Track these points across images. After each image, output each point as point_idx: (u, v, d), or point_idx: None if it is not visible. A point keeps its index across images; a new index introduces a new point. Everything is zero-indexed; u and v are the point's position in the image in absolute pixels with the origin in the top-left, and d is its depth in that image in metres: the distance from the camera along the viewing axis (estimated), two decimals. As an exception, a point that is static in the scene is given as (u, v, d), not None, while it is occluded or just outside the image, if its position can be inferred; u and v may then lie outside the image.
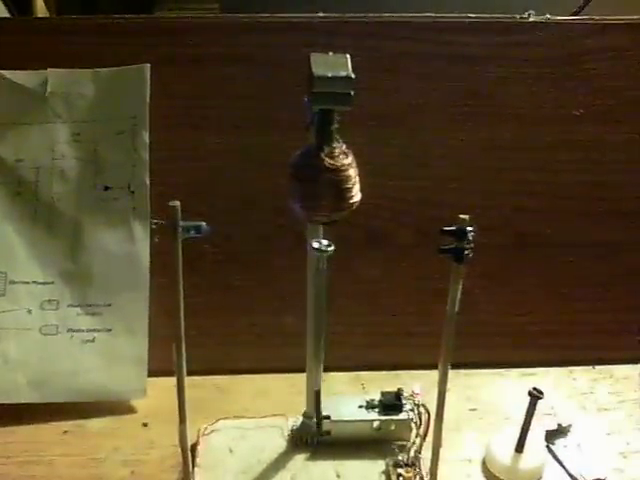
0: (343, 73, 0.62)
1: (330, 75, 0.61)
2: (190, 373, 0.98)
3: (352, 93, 0.62)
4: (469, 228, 0.68)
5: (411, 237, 1.01)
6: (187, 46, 0.96)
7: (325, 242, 0.73)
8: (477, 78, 0.99)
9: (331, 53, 0.64)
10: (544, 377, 1.06)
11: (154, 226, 0.63)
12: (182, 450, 0.78)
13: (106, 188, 0.98)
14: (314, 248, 0.72)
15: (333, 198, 0.67)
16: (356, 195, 0.68)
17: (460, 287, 0.71)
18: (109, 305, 0.98)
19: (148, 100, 0.96)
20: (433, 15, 0.98)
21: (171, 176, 0.96)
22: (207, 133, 0.97)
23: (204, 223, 0.65)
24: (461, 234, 0.68)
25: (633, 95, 1.00)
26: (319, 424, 0.87)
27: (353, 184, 0.67)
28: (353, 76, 0.61)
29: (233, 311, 1.03)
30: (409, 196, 1.01)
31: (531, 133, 1.01)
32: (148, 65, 0.95)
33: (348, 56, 0.63)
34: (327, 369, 0.92)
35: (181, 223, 0.64)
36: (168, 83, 0.95)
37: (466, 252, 0.69)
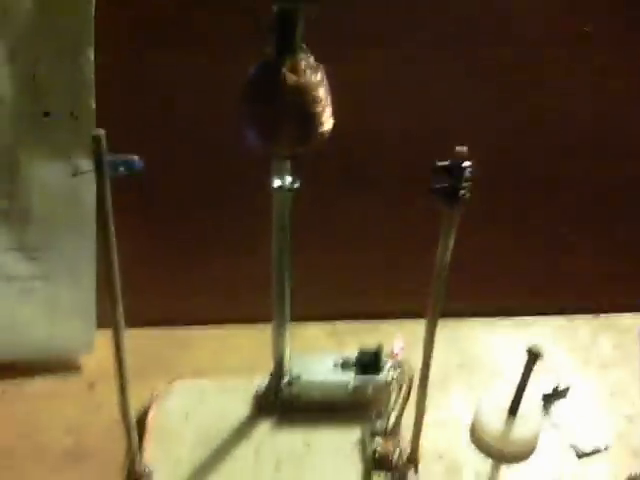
0: None
1: None
2: (146, 324, 0.89)
3: None
4: (466, 163, 0.56)
5: (395, 174, 0.88)
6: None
7: (289, 179, 0.60)
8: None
9: None
10: (541, 327, 0.96)
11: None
12: (125, 426, 0.67)
13: (46, 114, 0.85)
14: (274, 187, 0.60)
15: (297, 125, 0.54)
16: (326, 122, 0.55)
17: (453, 236, 0.60)
18: (50, 249, 0.86)
19: (93, 12, 0.82)
20: None
21: (113, 105, 0.82)
22: (158, 56, 0.83)
23: (136, 157, 0.52)
24: (457, 171, 0.55)
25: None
26: (283, 388, 0.77)
27: (323, 108, 0.54)
28: None
29: (193, 256, 0.91)
30: (393, 127, 0.88)
31: (535, 54, 0.87)
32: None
33: None
34: (300, 319, 0.82)
35: (108, 157, 0.51)
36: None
37: (462, 192, 0.56)
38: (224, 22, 0.78)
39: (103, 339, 0.83)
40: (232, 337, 0.91)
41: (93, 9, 0.81)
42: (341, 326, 0.94)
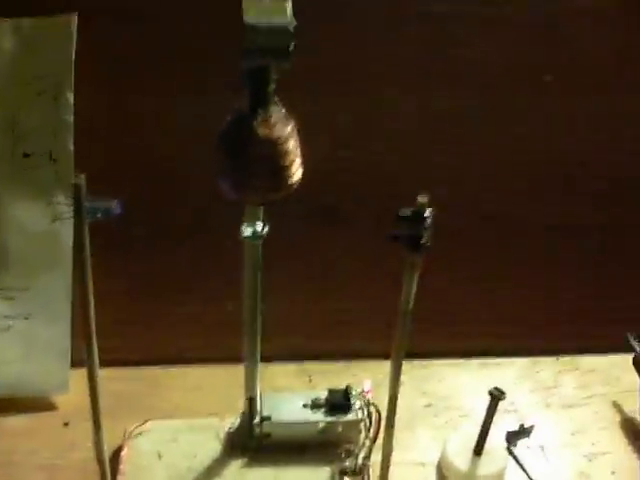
0: (280, 21, 0.51)
1: (264, 24, 0.50)
2: (119, 364, 0.90)
3: (291, 47, 0.51)
4: (427, 212, 0.58)
5: (367, 216, 0.91)
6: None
7: (259, 225, 0.62)
8: (444, 37, 0.88)
9: None
10: (505, 369, 0.98)
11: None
12: (98, 462, 0.68)
13: (25, 155, 0.87)
14: (243, 237, 0.62)
15: (268, 176, 0.56)
16: (296, 173, 0.57)
17: (416, 281, 0.62)
18: (27, 289, 0.87)
19: (74, 57, 0.84)
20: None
21: (91, 146, 0.84)
22: (135, 97, 0.86)
23: (115, 202, 0.54)
24: (418, 219, 0.58)
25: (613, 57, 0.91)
26: (254, 427, 0.78)
27: (292, 160, 0.56)
28: (293, 25, 0.50)
29: (167, 297, 0.92)
30: (367, 170, 0.91)
31: (500, 100, 0.91)
32: (75, 15, 0.83)
33: (289, 1, 0.52)
34: (271, 359, 0.84)
35: (87, 203, 0.53)
36: (95, 38, 0.83)
37: (423, 240, 0.59)
38: (206, 68, 0.81)
39: (79, 378, 0.85)
40: (205, 377, 0.92)
41: (73, 52, 0.83)
42: (311, 366, 0.95)
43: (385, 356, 0.92)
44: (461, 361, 0.98)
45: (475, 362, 0.98)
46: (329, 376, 0.93)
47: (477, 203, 0.93)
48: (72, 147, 0.85)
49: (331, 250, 0.93)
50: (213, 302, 0.92)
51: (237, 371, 0.79)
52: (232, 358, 0.83)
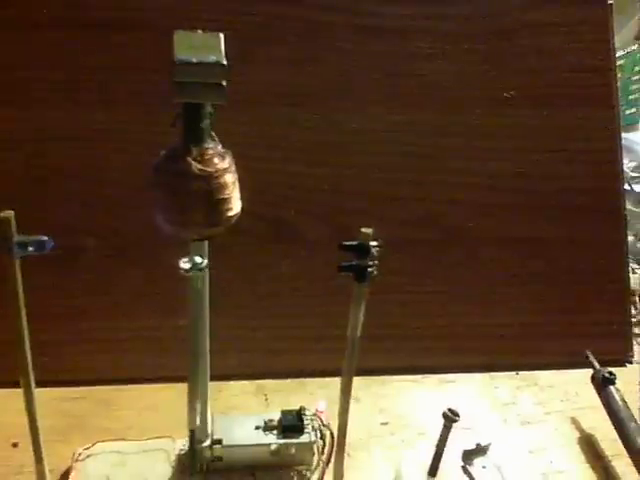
0: (212, 58, 0.49)
1: (195, 60, 0.48)
2: (69, 384, 0.88)
3: (224, 83, 0.49)
4: (373, 243, 0.57)
5: (322, 232, 0.90)
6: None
7: (199, 260, 0.61)
8: (401, 54, 0.88)
9: (200, 31, 0.51)
10: (464, 385, 0.97)
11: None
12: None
13: None
14: (182, 269, 0.60)
15: (204, 212, 0.54)
16: (234, 207, 0.56)
17: (363, 309, 0.61)
18: None
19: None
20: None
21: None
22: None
23: (46, 238, 0.52)
24: (363, 251, 0.57)
25: (572, 75, 0.90)
26: (205, 450, 0.77)
27: (230, 193, 0.55)
28: (225, 62, 0.49)
29: (117, 313, 0.91)
30: (322, 185, 0.90)
31: (459, 116, 0.90)
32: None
33: (222, 35, 0.50)
34: (227, 378, 0.83)
35: (16, 238, 0.51)
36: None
37: (369, 270, 0.58)
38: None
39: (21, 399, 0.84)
40: (159, 396, 0.90)
41: None
42: (267, 384, 0.94)
43: (339, 373, 0.91)
44: (419, 377, 0.97)
45: (434, 378, 0.97)
46: (285, 394, 0.91)
47: (436, 217, 0.92)
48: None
49: (286, 268, 0.92)
50: (166, 319, 0.90)
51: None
52: (184, 377, 0.82)
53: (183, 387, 0.87)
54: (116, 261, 0.88)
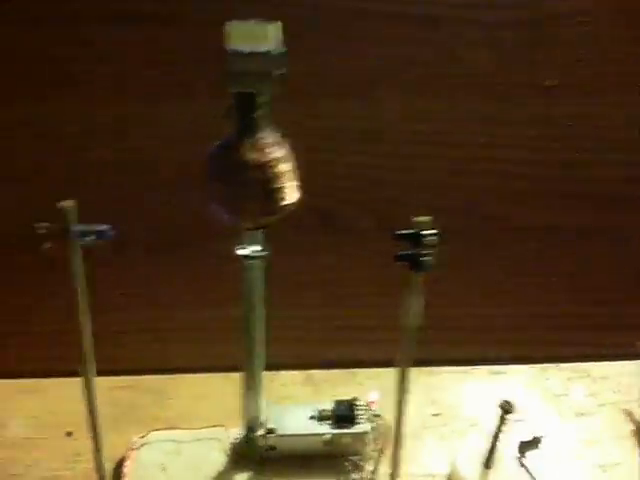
0: (262, 48, 0.49)
1: (248, 50, 0.48)
2: (123, 373, 0.89)
3: (276, 73, 0.49)
4: (428, 232, 0.56)
5: (369, 220, 0.89)
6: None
7: (256, 248, 0.60)
8: (442, 42, 0.86)
9: (253, 21, 0.50)
10: (514, 376, 0.96)
11: (43, 231, 0.50)
12: (97, 471, 0.67)
13: None
14: (240, 256, 0.60)
15: (260, 202, 0.54)
16: (290, 195, 0.55)
17: (420, 298, 0.60)
18: None
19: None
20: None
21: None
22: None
23: (106, 227, 0.52)
24: (418, 239, 0.56)
25: (619, 63, 0.88)
26: (259, 440, 0.77)
27: (285, 182, 0.55)
28: (278, 51, 0.48)
29: (171, 303, 0.91)
30: (366, 175, 0.89)
31: (499, 105, 0.89)
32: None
33: (272, 25, 0.50)
34: (276, 367, 0.83)
35: (77, 227, 0.51)
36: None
37: (425, 259, 0.57)
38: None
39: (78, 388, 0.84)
40: (211, 386, 0.91)
41: None
42: (317, 374, 0.94)
43: (392, 364, 0.91)
44: (468, 368, 0.97)
45: (483, 369, 0.97)
46: (334, 384, 0.91)
47: (480, 206, 0.91)
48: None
49: (335, 257, 0.91)
50: (219, 309, 0.90)
51: (241, 380, 0.77)
52: (236, 367, 0.82)
53: (233, 377, 0.88)
54: (166, 252, 0.88)
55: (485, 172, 0.90)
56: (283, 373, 0.90)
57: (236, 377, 0.85)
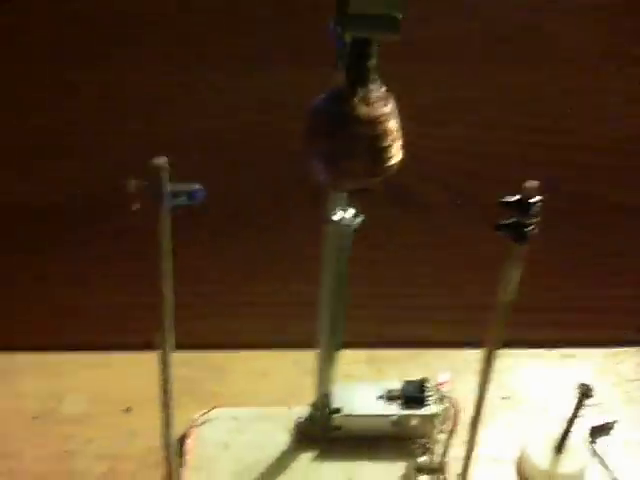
0: None
1: None
2: (180, 347, 0.86)
3: (399, 16, 0.45)
4: (536, 199, 0.53)
5: (441, 196, 0.86)
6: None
7: (351, 212, 0.57)
8: (530, 11, 0.83)
9: None
10: (585, 359, 0.93)
11: (132, 190, 0.47)
12: (165, 454, 0.64)
13: None
14: (336, 222, 0.57)
15: (366, 160, 0.51)
16: (396, 155, 0.52)
17: (519, 269, 0.57)
18: None
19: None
20: None
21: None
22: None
23: (198, 186, 0.49)
24: (525, 207, 0.53)
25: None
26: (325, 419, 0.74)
27: (393, 140, 0.51)
28: None
29: (230, 278, 0.89)
30: (441, 147, 0.85)
31: (583, 77, 0.85)
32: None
33: None
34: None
35: (169, 187, 0.49)
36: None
37: (530, 228, 0.54)
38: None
39: (140, 361, 0.82)
40: (272, 363, 0.89)
41: None
42: (379, 353, 0.91)
43: (457, 344, 0.88)
44: (540, 351, 0.93)
45: (553, 352, 0.93)
46: (398, 364, 0.89)
47: (561, 182, 0.87)
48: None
49: (402, 236, 0.88)
50: (280, 284, 0.88)
51: (305, 357, 0.76)
52: (300, 343, 0.79)
53: (296, 354, 0.86)
54: (231, 223, 0.85)
55: (566, 147, 0.86)
56: (345, 351, 0.87)
57: (300, 354, 0.83)
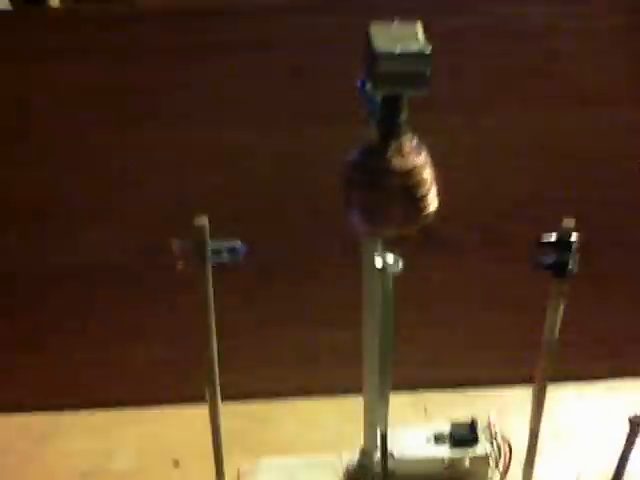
0: (415, 47, 0.46)
1: (398, 51, 0.46)
2: (225, 398, 0.87)
3: (428, 73, 0.46)
4: (574, 236, 0.53)
5: (478, 237, 0.86)
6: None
7: (391, 257, 0.58)
8: (543, 54, 0.84)
9: (396, 22, 0.48)
10: (629, 391, 0.91)
11: (177, 250, 0.48)
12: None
13: None
14: (379, 269, 0.57)
15: (403, 209, 0.52)
16: (432, 203, 0.53)
17: (562, 306, 0.57)
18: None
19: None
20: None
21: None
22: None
23: (239, 243, 0.50)
24: (565, 245, 0.53)
25: None
26: (376, 465, 0.73)
27: (428, 190, 0.52)
28: (429, 51, 0.46)
29: (275, 326, 0.89)
30: (473, 190, 0.86)
31: (604, 114, 0.85)
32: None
33: (419, 25, 0.48)
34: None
35: (211, 245, 0.49)
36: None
37: (570, 267, 0.54)
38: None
39: (188, 415, 0.83)
40: (317, 411, 0.88)
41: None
42: (423, 396, 0.90)
43: (500, 382, 0.87)
44: (582, 385, 0.92)
45: (597, 386, 0.92)
46: (445, 406, 0.88)
47: (589, 217, 0.87)
48: None
49: (441, 274, 0.88)
50: (322, 333, 0.88)
51: (350, 404, 0.75)
52: (342, 390, 0.79)
53: (339, 401, 0.86)
54: (271, 278, 0.86)
55: (592, 183, 0.87)
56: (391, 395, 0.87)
57: (343, 401, 0.82)
